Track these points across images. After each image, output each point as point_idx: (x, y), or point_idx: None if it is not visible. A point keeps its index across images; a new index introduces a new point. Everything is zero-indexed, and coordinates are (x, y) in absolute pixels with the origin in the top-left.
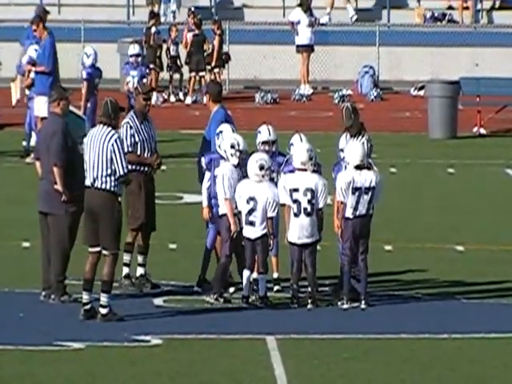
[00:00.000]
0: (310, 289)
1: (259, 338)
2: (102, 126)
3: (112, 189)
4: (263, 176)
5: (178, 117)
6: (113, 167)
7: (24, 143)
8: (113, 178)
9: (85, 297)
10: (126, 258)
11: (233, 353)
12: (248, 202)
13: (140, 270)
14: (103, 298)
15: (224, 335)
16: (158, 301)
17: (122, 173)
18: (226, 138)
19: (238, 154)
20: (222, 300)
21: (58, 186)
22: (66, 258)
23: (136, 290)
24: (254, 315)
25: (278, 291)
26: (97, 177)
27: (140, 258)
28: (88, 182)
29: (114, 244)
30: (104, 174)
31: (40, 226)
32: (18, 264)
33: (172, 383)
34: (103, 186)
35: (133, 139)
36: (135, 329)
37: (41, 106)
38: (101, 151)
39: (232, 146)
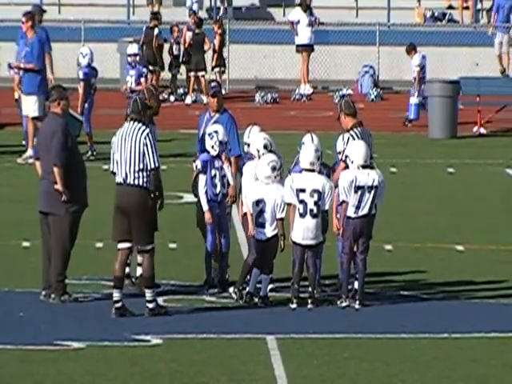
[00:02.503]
0: (310, 289)
1: (259, 338)
2: (132, 122)
3: (144, 184)
4: (275, 177)
5: (178, 117)
6: (145, 161)
7: (24, 142)
8: (145, 174)
9: (116, 294)
10: None
11: (233, 353)
12: (257, 205)
13: (140, 270)
14: (148, 294)
15: (224, 335)
16: (159, 300)
17: (153, 166)
18: (259, 138)
19: None
20: (238, 295)
21: (58, 186)
22: (67, 258)
23: (136, 290)
24: (254, 315)
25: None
26: (129, 172)
27: (140, 258)
28: (119, 179)
29: (148, 239)
30: (136, 169)
31: (40, 226)
32: (18, 264)
33: (172, 383)
34: (135, 182)
35: None
36: (135, 328)
37: (30, 106)
38: (133, 146)
39: (265, 147)
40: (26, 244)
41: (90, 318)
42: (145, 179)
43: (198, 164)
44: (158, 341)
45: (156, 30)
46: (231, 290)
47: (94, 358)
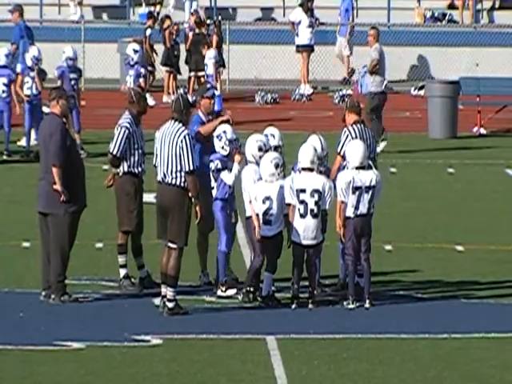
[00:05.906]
0: (310, 289)
1: (259, 338)
2: (173, 121)
3: (182, 184)
4: (278, 174)
5: None
6: (181, 163)
7: (24, 143)
8: (182, 174)
9: (164, 290)
10: (122, 259)
11: (233, 353)
12: (264, 202)
13: (140, 274)
14: (169, 292)
15: (224, 335)
16: (158, 301)
17: (187, 169)
18: (251, 142)
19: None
20: (244, 297)
21: (57, 186)
22: (66, 258)
23: (136, 290)
24: (254, 315)
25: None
26: (167, 172)
27: (136, 260)
28: (159, 178)
29: (181, 238)
30: (174, 169)
31: (39, 227)
32: (18, 264)
33: (172, 383)
34: (173, 182)
35: (127, 143)
36: (135, 329)
37: None
38: (171, 147)
39: (260, 149)
40: (25, 244)
41: (90, 318)
42: (182, 179)
43: (218, 163)
44: (157, 341)
45: (149, 31)
46: (233, 291)
47: (94, 358)
